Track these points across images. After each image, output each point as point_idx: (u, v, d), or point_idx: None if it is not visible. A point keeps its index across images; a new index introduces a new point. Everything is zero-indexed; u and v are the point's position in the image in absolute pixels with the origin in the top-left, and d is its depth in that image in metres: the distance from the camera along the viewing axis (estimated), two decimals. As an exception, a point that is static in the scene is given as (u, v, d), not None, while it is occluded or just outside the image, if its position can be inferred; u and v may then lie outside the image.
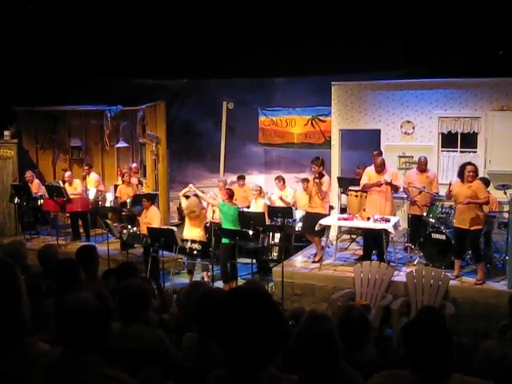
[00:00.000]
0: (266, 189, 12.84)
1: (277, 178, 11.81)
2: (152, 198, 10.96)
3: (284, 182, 11.68)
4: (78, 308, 2.27)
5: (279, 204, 11.06)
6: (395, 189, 9.25)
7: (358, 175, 10.82)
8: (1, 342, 2.24)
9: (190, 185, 10.49)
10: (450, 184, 8.38)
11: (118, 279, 4.74)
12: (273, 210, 10.49)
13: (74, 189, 11.92)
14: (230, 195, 9.88)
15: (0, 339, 2.25)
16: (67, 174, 12.44)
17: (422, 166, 9.76)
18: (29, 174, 12.63)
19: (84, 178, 12.88)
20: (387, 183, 9.03)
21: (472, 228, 7.97)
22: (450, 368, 2.54)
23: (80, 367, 2.22)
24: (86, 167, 13.04)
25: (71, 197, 11.73)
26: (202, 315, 3.31)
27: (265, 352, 1.92)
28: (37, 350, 2.33)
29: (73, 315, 2.26)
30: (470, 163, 8.24)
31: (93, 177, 12.84)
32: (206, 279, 9.97)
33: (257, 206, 10.55)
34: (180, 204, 12.95)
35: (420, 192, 9.39)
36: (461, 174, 8.12)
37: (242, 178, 12.46)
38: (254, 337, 1.89)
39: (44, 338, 2.56)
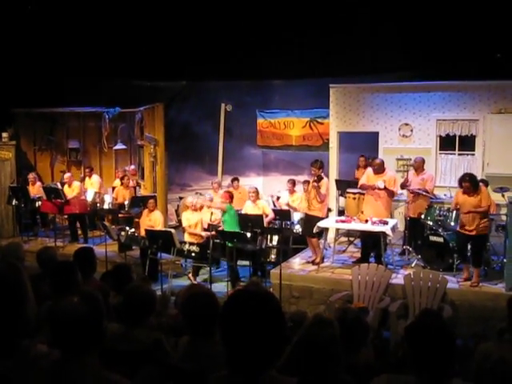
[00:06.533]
0: (263, 191, 12.83)
1: (289, 181, 11.39)
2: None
3: (294, 186, 11.33)
4: (67, 313, 2.27)
5: (285, 208, 10.77)
6: (391, 194, 9.09)
7: (360, 163, 10.87)
8: (4, 343, 2.25)
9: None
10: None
11: (112, 281, 4.75)
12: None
13: (72, 190, 11.91)
14: (232, 197, 9.94)
15: (4, 340, 2.25)
16: (67, 175, 12.43)
17: (415, 166, 9.69)
18: (32, 175, 12.63)
19: (82, 180, 12.88)
20: (380, 188, 8.98)
21: (477, 234, 8.01)
22: (451, 371, 2.54)
23: (77, 369, 2.23)
24: (87, 170, 13.03)
25: (69, 198, 11.72)
26: (189, 317, 3.31)
27: (267, 354, 1.92)
28: (35, 352, 2.34)
29: (62, 320, 2.26)
30: (465, 179, 8.02)
31: (95, 179, 12.83)
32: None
33: (257, 209, 10.14)
34: (178, 206, 12.98)
35: (418, 194, 9.37)
36: (460, 184, 8.15)
37: (236, 180, 12.32)
38: (258, 338, 1.89)
39: (42, 340, 2.56)
